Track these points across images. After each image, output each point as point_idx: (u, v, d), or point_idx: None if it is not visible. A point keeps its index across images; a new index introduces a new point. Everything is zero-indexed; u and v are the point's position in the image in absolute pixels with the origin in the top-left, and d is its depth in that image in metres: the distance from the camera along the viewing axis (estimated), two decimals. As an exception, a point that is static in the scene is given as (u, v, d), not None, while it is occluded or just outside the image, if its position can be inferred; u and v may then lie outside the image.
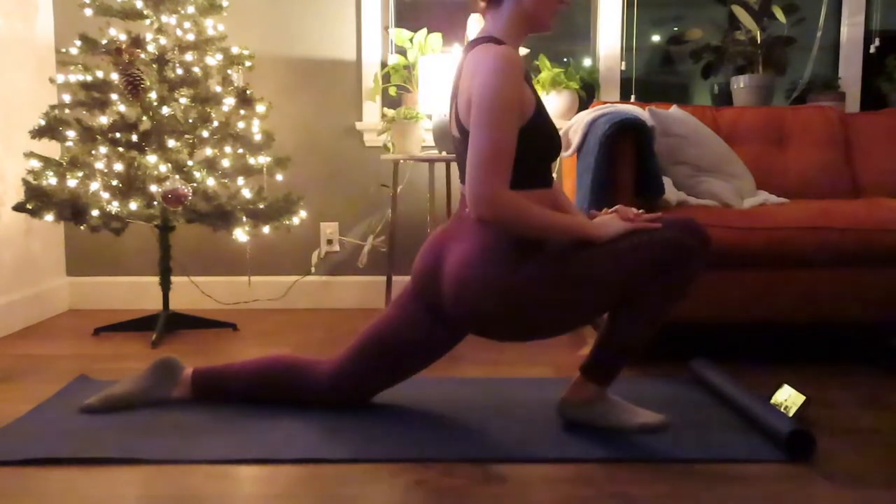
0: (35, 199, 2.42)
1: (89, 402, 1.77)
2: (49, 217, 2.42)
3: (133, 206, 2.42)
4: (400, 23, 3.22)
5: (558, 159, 1.73)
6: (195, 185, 2.47)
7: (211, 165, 2.53)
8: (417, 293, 1.71)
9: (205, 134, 2.53)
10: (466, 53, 1.64)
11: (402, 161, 2.89)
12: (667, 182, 2.41)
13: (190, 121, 2.52)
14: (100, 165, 2.44)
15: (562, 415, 1.71)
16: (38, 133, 2.45)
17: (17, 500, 1.34)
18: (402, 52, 3.04)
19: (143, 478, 1.42)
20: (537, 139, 1.60)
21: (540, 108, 1.62)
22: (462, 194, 1.66)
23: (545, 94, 3.10)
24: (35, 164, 2.46)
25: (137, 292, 3.14)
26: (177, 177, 2.40)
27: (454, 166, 3.09)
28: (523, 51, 2.89)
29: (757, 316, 2.21)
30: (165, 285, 2.67)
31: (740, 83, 3.12)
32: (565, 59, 3.37)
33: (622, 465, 1.48)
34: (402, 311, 1.73)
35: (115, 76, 2.45)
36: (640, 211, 1.65)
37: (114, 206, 2.42)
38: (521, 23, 1.64)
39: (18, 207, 2.44)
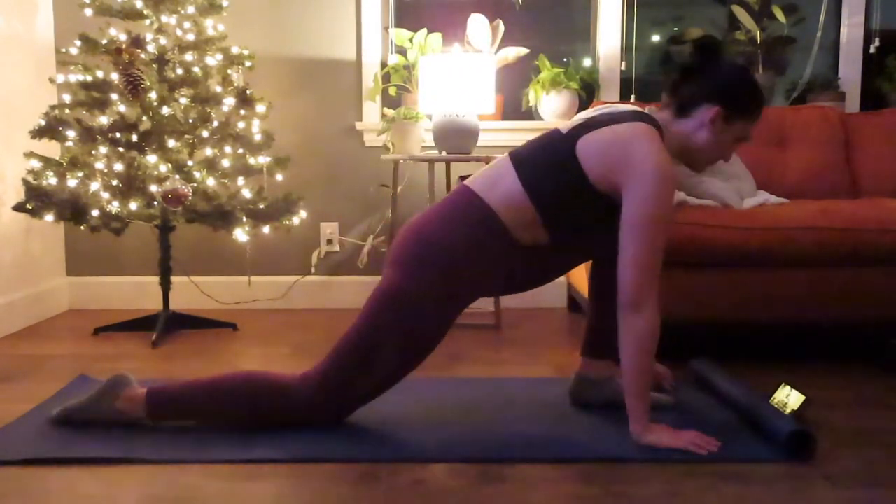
0: (35, 199, 2.42)
1: (53, 413, 1.69)
2: (49, 217, 2.42)
3: (133, 206, 2.42)
4: (400, 23, 3.22)
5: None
6: (195, 185, 2.47)
7: (211, 165, 2.53)
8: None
9: (205, 134, 2.53)
10: (623, 115, 1.64)
11: (402, 161, 2.89)
12: (667, 182, 2.40)
13: (190, 121, 2.52)
14: (100, 165, 2.44)
15: (575, 399, 1.82)
16: (38, 133, 2.45)
17: (17, 500, 1.34)
18: (402, 52, 3.04)
19: (143, 478, 1.42)
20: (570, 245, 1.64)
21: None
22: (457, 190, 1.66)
23: (545, 95, 3.11)
24: (35, 164, 2.46)
25: (137, 292, 3.14)
26: (177, 177, 2.40)
27: (454, 166, 3.09)
28: (523, 50, 2.90)
29: (757, 316, 2.21)
30: (165, 285, 2.67)
31: (740, 83, 3.11)
32: (565, 59, 3.36)
33: (622, 465, 1.48)
34: None
35: (115, 76, 2.45)
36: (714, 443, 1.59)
37: (114, 206, 2.42)
38: (682, 147, 1.66)
39: (18, 207, 2.44)
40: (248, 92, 2.59)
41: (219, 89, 2.57)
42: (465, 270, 1.59)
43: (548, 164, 1.60)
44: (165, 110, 2.46)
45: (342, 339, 1.61)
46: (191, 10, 2.58)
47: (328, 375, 1.60)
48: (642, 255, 1.53)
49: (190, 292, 3.11)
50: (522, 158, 1.64)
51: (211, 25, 2.64)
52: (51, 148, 2.86)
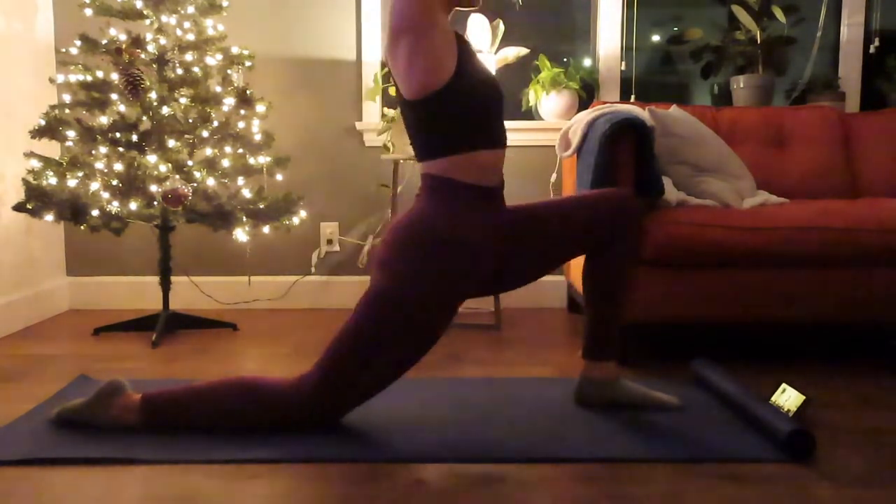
0: (35, 199, 2.42)
1: (52, 413, 1.69)
2: (49, 217, 2.42)
3: (133, 206, 2.42)
4: (400, 23, 3.21)
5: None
6: (195, 185, 2.47)
7: (211, 165, 2.53)
8: None
9: (205, 134, 2.53)
10: None
11: (402, 161, 2.89)
12: (667, 182, 2.41)
13: (190, 121, 2.52)
14: (100, 165, 2.44)
15: (581, 401, 1.83)
16: (38, 133, 2.45)
17: (17, 500, 1.34)
18: (402, 52, 3.03)
19: (143, 478, 1.42)
20: (470, 95, 1.60)
21: (466, 60, 1.61)
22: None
23: (545, 95, 3.11)
24: (35, 163, 2.46)
25: (137, 292, 3.14)
26: (177, 177, 2.40)
27: (454, 166, 3.09)
28: (523, 50, 2.89)
29: (757, 316, 2.21)
30: (165, 285, 2.67)
31: (740, 83, 3.12)
32: (565, 59, 3.37)
33: (622, 465, 1.48)
34: None
35: (115, 76, 2.45)
36: None
37: (114, 206, 2.42)
38: None
39: (18, 207, 2.44)
40: (248, 92, 2.59)
41: (219, 89, 2.57)
42: (451, 250, 1.59)
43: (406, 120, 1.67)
44: (165, 110, 2.46)
45: (335, 343, 1.60)
46: (191, 10, 2.59)
47: (326, 379, 1.59)
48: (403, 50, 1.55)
49: (190, 292, 3.11)
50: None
51: (211, 25, 2.64)
52: (51, 148, 2.86)
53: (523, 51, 2.90)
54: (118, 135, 2.44)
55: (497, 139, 1.67)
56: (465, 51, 1.62)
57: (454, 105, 1.58)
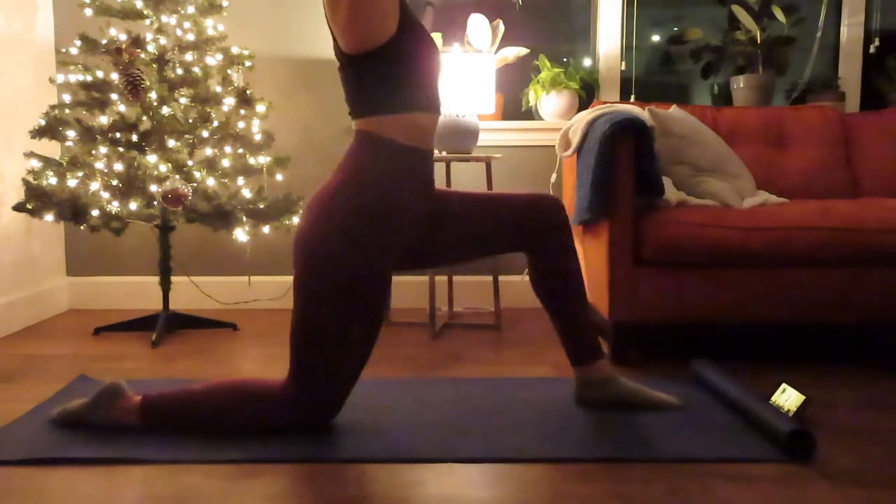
0: (35, 199, 2.42)
1: (53, 414, 1.70)
2: (49, 217, 2.42)
3: (133, 206, 2.42)
4: (400, 23, 3.22)
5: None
6: (195, 185, 2.47)
7: (211, 165, 2.53)
8: None
9: (205, 134, 2.53)
10: None
11: (402, 161, 2.88)
12: (667, 182, 2.41)
13: (190, 121, 2.52)
14: (100, 165, 2.44)
15: (581, 401, 1.84)
16: (38, 133, 2.45)
17: (17, 500, 1.34)
18: (402, 52, 3.03)
19: (143, 478, 1.42)
20: (412, 54, 1.60)
21: (408, 20, 1.60)
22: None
23: (545, 95, 3.11)
24: (35, 163, 2.46)
25: (137, 292, 3.14)
26: (177, 177, 2.40)
27: (454, 166, 3.09)
28: (523, 50, 2.89)
29: (757, 316, 2.21)
30: (165, 285, 2.67)
31: (740, 83, 3.12)
32: (565, 59, 3.37)
33: (622, 465, 1.48)
34: None
35: (115, 76, 2.45)
36: None
37: (114, 206, 2.42)
38: None
39: (18, 207, 2.44)
40: (248, 92, 2.59)
41: (219, 89, 2.57)
42: (382, 211, 1.58)
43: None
44: (165, 110, 2.46)
45: (293, 338, 1.60)
46: (191, 10, 2.59)
47: (302, 376, 1.60)
48: None
49: (190, 292, 3.11)
50: None
51: (211, 25, 2.64)
52: (51, 148, 2.86)
53: (523, 51, 2.90)
54: (118, 135, 2.45)
55: (434, 103, 1.67)
56: (407, 11, 1.61)
57: (393, 63, 1.57)
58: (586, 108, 3.04)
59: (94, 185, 2.42)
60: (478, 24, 2.75)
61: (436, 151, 2.85)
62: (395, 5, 1.57)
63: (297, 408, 1.61)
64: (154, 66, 2.55)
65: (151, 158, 2.41)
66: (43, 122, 2.45)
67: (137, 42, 2.47)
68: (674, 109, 2.64)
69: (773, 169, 2.78)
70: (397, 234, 1.63)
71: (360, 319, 1.59)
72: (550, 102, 3.10)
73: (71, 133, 2.45)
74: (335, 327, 1.57)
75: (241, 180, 2.60)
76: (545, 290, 1.79)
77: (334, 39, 1.62)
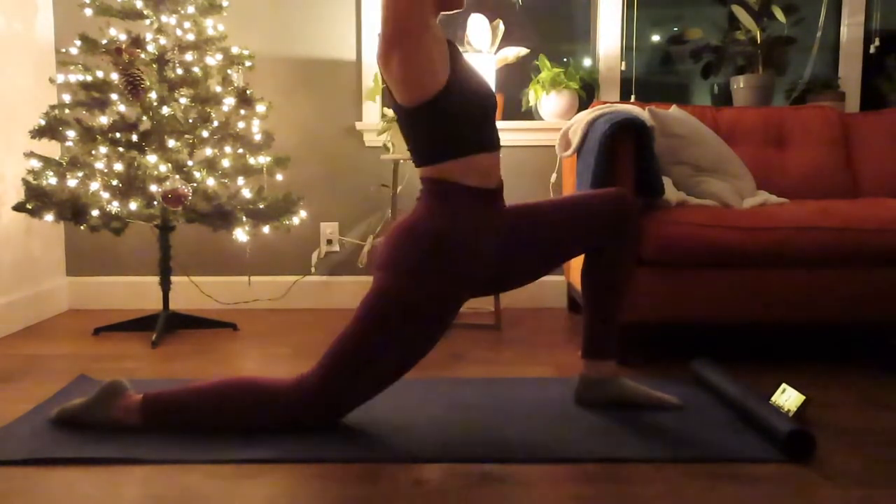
0: (35, 199, 2.42)
1: (52, 414, 1.69)
2: (49, 217, 2.42)
3: (133, 206, 2.42)
4: (400, 23, 3.22)
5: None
6: (195, 185, 2.47)
7: (211, 165, 2.53)
8: None
9: (205, 134, 2.53)
10: None
11: (402, 161, 2.89)
12: (667, 182, 2.41)
13: (190, 121, 2.52)
14: (100, 165, 2.44)
15: (581, 401, 1.84)
16: (38, 133, 2.45)
17: (17, 500, 1.34)
18: (402, 52, 3.03)
19: (143, 478, 1.42)
20: (465, 100, 1.60)
21: (458, 65, 1.61)
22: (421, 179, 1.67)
23: (545, 94, 3.11)
24: (35, 163, 2.46)
25: (137, 292, 3.14)
26: (177, 177, 2.40)
27: (454, 166, 3.09)
28: (523, 51, 2.89)
29: (757, 316, 2.21)
30: (165, 285, 2.67)
31: (740, 83, 3.12)
32: (565, 59, 3.37)
33: (622, 465, 1.48)
34: None
35: (115, 76, 2.45)
36: None
37: (114, 206, 2.42)
38: None
39: (18, 207, 2.44)
40: (248, 92, 2.59)
41: (219, 89, 2.57)
42: (453, 249, 1.59)
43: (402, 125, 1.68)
44: (165, 110, 2.46)
45: (337, 343, 1.60)
46: (191, 10, 2.59)
47: (326, 380, 1.59)
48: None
49: (190, 292, 3.11)
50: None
51: (211, 25, 2.64)
52: (51, 148, 2.86)
53: (523, 51, 2.90)
54: (118, 135, 2.44)
55: (492, 142, 1.67)
56: (456, 55, 1.62)
57: (450, 111, 1.58)
58: (586, 108, 3.04)
59: (94, 185, 2.42)
60: (478, 24, 2.75)
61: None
62: (445, 53, 1.58)
63: (308, 408, 1.61)
64: (154, 66, 2.55)
65: (151, 158, 2.41)
66: (43, 122, 2.45)
67: (137, 42, 2.47)
68: (674, 109, 2.64)
69: (773, 169, 2.78)
70: (470, 271, 1.64)
71: (406, 345, 1.60)
72: (550, 102, 3.10)
73: (71, 133, 2.45)
74: (381, 344, 1.58)
75: (241, 180, 2.60)
76: (595, 283, 1.78)
77: (390, 93, 1.63)
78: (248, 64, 2.67)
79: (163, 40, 2.54)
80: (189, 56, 2.55)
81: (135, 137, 2.45)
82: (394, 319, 1.57)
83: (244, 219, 2.53)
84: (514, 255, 1.72)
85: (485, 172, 1.64)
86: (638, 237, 1.79)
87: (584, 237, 1.73)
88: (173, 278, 2.73)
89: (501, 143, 1.74)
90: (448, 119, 1.58)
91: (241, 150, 2.60)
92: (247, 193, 2.57)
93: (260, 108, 2.62)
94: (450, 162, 1.61)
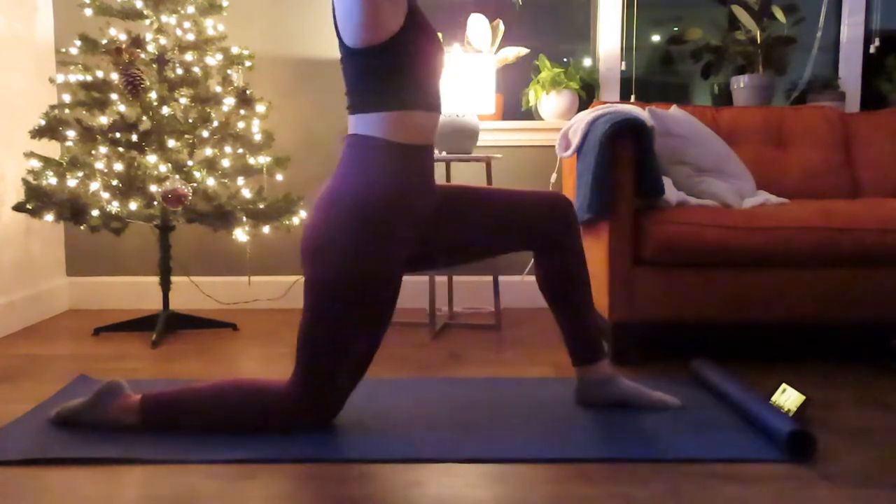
0: (35, 199, 2.42)
1: (52, 413, 1.69)
2: (49, 217, 2.42)
3: (133, 206, 2.42)
4: (400, 23, 3.22)
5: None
6: (195, 185, 2.47)
7: (211, 165, 2.53)
8: None
9: (205, 134, 2.53)
10: None
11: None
12: (667, 182, 2.41)
13: (190, 121, 2.52)
14: (100, 165, 2.44)
15: (581, 401, 1.84)
16: (38, 133, 2.45)
17: (17, 500, 1.34)
18: (402, 52, 3.03)
19: (143, 478, 1.42)
20: (416, 51, 1.57)
21: (415, 15, 1.58)
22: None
23: (545, 95, 3.11)
24: (35, 163, 2.46)
25: (137, 292, 3.14)
26: (177, 177, 2.40)
27: (454, 166, 3.09)
28: (523, 50, 2.89)
29: (757, 316, 2.21)
30: (165, 285, 2.67)
31: (740, 83, 3.12)
32: (565, 59, 3.37)
33: (622, 465, 1.48)
34: None
35: (115, 76, 2.45)
36: None
37: (114, 206, 2.42)
38: None
39: (18, 207, 2.44)
40: (248, 92, 2.59)
41: (219, 89, 2.57)
42: (381, 214, 1.56)
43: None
44: (165, 110, 2.46)
45: (301, 339, 1.59)
46: (191, 10, 2.59)
47: (307, 377, 1.59)
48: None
49: (190, 292, 3.11)
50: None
51: (211, 25, 2.64)
52: (51, 148, 2.86)
53: (523, 51, 2.90)
54: (118, 135, 2.44)
55: (435, 102, 1.65)
56: (415, 4, 1.59)
57: (397, 60, 1.55)
58: (586, 108, 3.04)
59: (94, 185, 2.42)
60: (478, 24, 2.75)
61: (436, 152, 2.85)
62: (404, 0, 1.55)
63: (301, 409, 1.61)
64: (154, 66, 2.55)
65: (151, 158, 2.41)
66: (43, 122, 2.45)
67: (137, 42, 2.47)
68: (674, 109, 2.64)
69: (773, 169, 2.78)
70: (403, 232, 1.61)
71: (367, 320, 1.58)
72: (550, 102, 3.10)
73: (71, 133, 2.45)
74: (343, 327, 1.56)
75: (241, 180, 2.60)
76: (552, 290, 1.78)
77: (337, 30, 1.59)
78: (247, 64, 2.67)
79: (163, 40, 2.54)
80: (189, 56, 2.55)
81: (135, 137, 2.45)
82: (343, 303, 1.55)
83: (244, 219, 2.53)
84: (443, 228, 1.69)
85: (419, 130, 1.61)
86: (581, 241, 1.78)
87: (518, 236, 1.73)
88: (173, 278, 2.73)
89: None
90: (393, 68, 1.55)
91: (241, 150, 2.60)
92: (247, 193, 2.57)
93: (260, 108, 2.62)
94: (384, 113, 1.57)
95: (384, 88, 1.57)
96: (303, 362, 1.60)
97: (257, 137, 2.63)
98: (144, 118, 2.47)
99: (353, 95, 1.62)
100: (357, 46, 1.55)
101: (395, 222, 1.59)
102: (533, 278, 3.12)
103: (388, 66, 1.55)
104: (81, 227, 2.49)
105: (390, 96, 1.57)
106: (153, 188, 2.39)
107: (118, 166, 2.43)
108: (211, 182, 2.52)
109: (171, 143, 2.45)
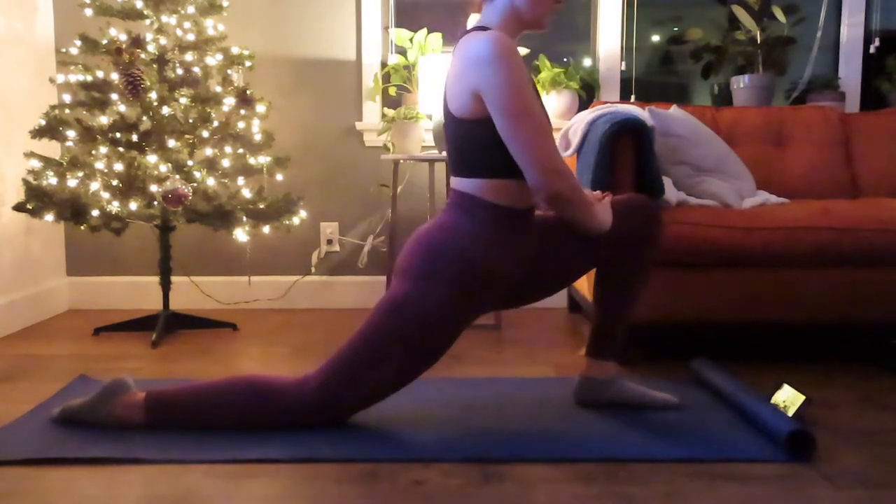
0: (35, 199, 2.42)
1: (55, 412, 1.70)
2: (49, 217, 2.42)
3: (133, 206, 2.42)
4: (400, 23, 3.22)
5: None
6: (195, 185, 2.47)
7: (211, 165, 2.53)
8: None
9: (205, 134, 2.53)
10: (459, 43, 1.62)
11: (402, 161, 2.89)
12: (667, 182, 2.41)
13: (190, 121, 2.52)
14: (100, 165, 2.44)
15: (581, 401, 1.84)
16: (38, 133, 2.45)
17: (17, 500, 1.34)
18: (402, 52, 3.04)
19: (143, 478, 1.42)
20: None
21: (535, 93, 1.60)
22: (448, 187, 1.65)
23: (545, 94, 3.11)
24: (35, 164, 2.46)
25: (137, 292, 3.14)
26: (177, 177, 2.40)
27: (454, 166, 3.09)
28: (523, 51, 2.89)
29: (757, 316, 2.21)
30: (165, 285, 2.67)
31: (740, 83, 3.12)
32: (565, 59, 3.37)
33: (622, 465, 1.48)
34: None
35: (115, 76, 2.45)
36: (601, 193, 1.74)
37: (114, 206, 2.42)
38: (515, 19, 1.61)
39: (18, 207, 2.44)
40: (248, 92, 2.59)
41: (219, 89, 2.57)
42: (476, 275, 1.58)
43: (449, 137, 1.65)
44: (165, 110, 2.46)
45: (346, 345, 1.60)
46: (191, 10, 2.59)
47: (330, 380, 1.59)
48: (529, 137, 1.51)
49: (190, 292, 3.11)
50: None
51: (211, 25, 2.64)
52: (51, 148, 2.86)
53: (523, 51, 2.90)
54: (118, 135, 2.44)
55: None
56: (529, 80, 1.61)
57: (499, 133, 1.55)
58: (586, 108, 3.04)
59: (94, 185, 2.42)
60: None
61: (436, 152, 2.86)
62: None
63: (310, 409, 1.61)
64: (154, 66, 2.55)
65: (151, 158, 2.41)
66: (43, 122, 2.45)
67: (137, 42, 2.47)
68: (674, 109, 2.64)
69: (773, 169, 2.78)
70: (487, 292, 1.62)
71: (414, 357, 1.59)
72: (550, 102, 3.10)
73: (71, 133, 2.45)
74: (391, 354, 1.57)
75: (241, 180, 2.60)
76: (609, 286, 1.76)
77: (445, 100, 1.61)
78: (248, 64, 2.67)
79: (163, 40, 2.54)
80: (189, 56, 2.55)
81: (135, 137, 2.45)
82: (406, 328, 1.56)
83: (244, 219, 2.53)
84: (539, 272, 1.70)
85: (519, 195, 1.62)
86: (657, 249, 1.76)
87: (609, 247, 1.71)
88: (173, 278, 2.73)
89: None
90: (495, 139, 1.55)
91: (241, 150, 2.60)
92: (247, 193, 2.57)
93: (260, 108, 2.62)
94: (487, 179, 1.59)
95: (488, 157, 1.58)
96: (330, 367, 1.60)
97: (257, 137, 2.63)
98: (144, 118, 2.47)
99: (455, 159, 1.63)
100: (467, 118, 1.56)
101: (484, 290, 1.60)
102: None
103: (491, 138, 1.55)
104: (81, 227, 2.49)
105: (493, 164, 1.58)
106: (153, 188, 2.39)
107: (118, 166, 2.43)
108: (211, 182, 2.52)
109: (172, 143, 2.45)
